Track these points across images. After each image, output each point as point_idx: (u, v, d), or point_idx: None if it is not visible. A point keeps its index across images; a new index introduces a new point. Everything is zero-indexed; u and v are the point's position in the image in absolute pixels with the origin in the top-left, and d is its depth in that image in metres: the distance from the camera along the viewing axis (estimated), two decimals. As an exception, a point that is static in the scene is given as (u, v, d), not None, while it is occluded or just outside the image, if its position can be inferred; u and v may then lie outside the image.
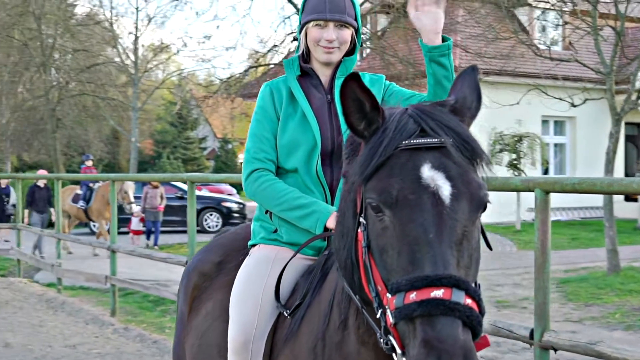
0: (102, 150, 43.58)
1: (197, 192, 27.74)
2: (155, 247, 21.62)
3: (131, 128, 34.80)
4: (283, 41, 21.24)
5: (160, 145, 56.45)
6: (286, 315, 3.00)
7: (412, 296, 2.03)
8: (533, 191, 5.24)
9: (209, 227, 27.25)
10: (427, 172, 2.19)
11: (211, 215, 27.55)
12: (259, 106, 3.34)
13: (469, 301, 2.04)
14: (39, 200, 20.03)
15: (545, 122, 30.01)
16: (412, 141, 2.24)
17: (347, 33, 3.29)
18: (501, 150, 24.86)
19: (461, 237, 2.15)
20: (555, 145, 31.04)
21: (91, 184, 21.16)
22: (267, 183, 3.20)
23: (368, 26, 25.81)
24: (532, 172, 24.70)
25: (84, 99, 35.91)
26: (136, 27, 34.44)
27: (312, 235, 3.09)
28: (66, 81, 35.64)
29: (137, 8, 33.67)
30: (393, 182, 2.20)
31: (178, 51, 37.82)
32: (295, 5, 20.49)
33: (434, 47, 3.10)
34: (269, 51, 21.68)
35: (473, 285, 2.15)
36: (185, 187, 27.21)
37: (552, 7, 19.71)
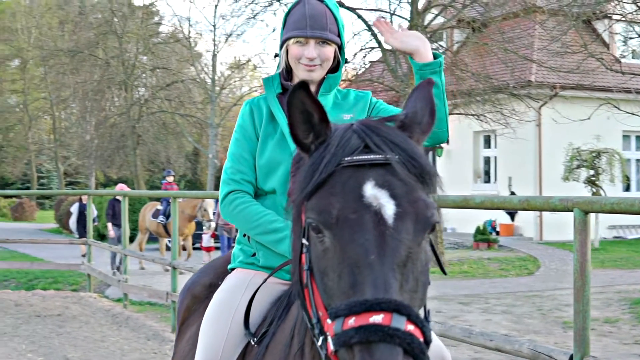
0: (184, 167, 44.20)
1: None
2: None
3: (209, 145, 35.16)
4: (354, 56, 21.10)
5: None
6: (253, 343, 2.91)
7: (351, 322, 1.91)
8: (572, 211, 5.05)
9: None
10: (370, 191, 2.07)
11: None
12: (238, 125, 3.26)
13: (411, 327, 1.90)
14: (119, 214, 20.28)
15: (626, 137, 29.32)
16: (354, 157, 2.11)
17: (329, 50, 3.18)
18: (578, 167, 24.31)
19: (405, 259, 2.02)
20: (638, 161, 30.26)
21: (171, 200, 20.96)
22: (243, 205, 3.11)
23: (443, 42, 25.64)
24: (611, 189, 24.05)
25: (164, 116, 36.51)
26: (214, 45, 34.86)
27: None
28: (145, 99, 36.33)
29: (214, 25, 34.11)
30: (333, 201, 2.08)
31: (255, 67, 37.93)
32: (365, 22, 20.41)
33: (425, 64, 3.04)
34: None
35: (419, 310, 2.04)
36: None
37: (632, 20, 19.16)
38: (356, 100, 3.28)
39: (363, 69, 22.35)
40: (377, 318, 1.88)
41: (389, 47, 21.14)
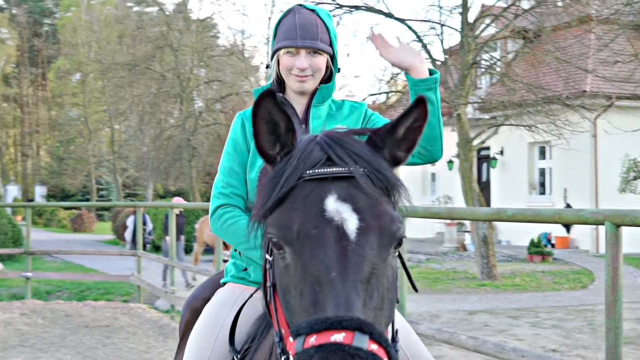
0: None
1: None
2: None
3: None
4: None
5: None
6: (236, 359, 2.87)
7: (312, 340, 1.84)
8: (603, 224, 4.92)
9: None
10: (332, 204, 2.01)
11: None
12: (230, 138, 3.21)
13: (374, 347, 1.82)
14: (178, 226, 20.28)
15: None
16: (316, 171, 2.04)
17: (321, 60, 3.12)
18: (635, 178, 23.81)
19: (369, 276, 1.94)
20: (697, 172, 29.56)
21: None
22: (232, 220, 3.06)
23: (498, 52, 25.42)
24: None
25: (219, 128, 36.71)
26: (267, 58, 34.98)
27: None
28: (199, 111, 36.63)
29: (267, 38, 34.24)
30: (294, 216, 2.01)
31: (309, 80, 37.90)
32: (415, 33, 20.32)
33: (420, 80, 2.98)
34: (391, 79, 21.50)
35: (386, 329, 1.98)
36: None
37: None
38: (350, 111, 3.23)
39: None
40: (338, 337, 1.82)
41: (440, 60, 21.04)
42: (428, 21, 20.87)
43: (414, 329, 6.81)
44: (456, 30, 20.34)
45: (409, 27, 20.44)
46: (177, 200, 21.07)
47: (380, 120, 3.21)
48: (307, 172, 2.05)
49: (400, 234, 2.04)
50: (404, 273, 2.47)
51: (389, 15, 20.41)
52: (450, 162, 30.24)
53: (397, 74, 21.20)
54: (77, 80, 59.99)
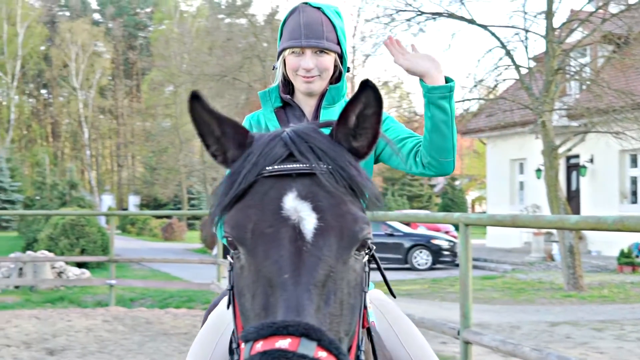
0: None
1: (408, 229, 27.86)
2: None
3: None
4: (488, 74, 20.70)
5: (389, 182, 56.93)
6: None
7: (259, 346, 1.74)
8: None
9: (418, 265, 27.02)
10: (291, 203, 1.91)
11: (421, 252, 27.29)
12: None
13: (322, 354, 1.72)
14: None
15: None
16: (276, 167, 1.96)
17: (328, 59, 3.03)
18: None
19: (324, 279, 1.84)
20: None
21: None
22: None
23: (588, 58, 24.87)
24: None
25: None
26: (353, 66, 34.95)
27: None
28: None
29: (353, 47, 34.21)
30: (250, 214, 1.92)
31: (395, 88, 37.84)
32: (499, 39, 20.00)
33: (434, 87, 2.84)
34: (474, 86, 21.21)
35: (344, 335, 1.87)
36: (394, 224, 27.26)
37: None
38: None
39: (497, 87, 21.85)
40: (283, 343, 1.71)
41: (524, 66, 20.66)
42: (512, 27, 20.51)
43: (478, 340, 6.69)
44: (540, 35, 19.91)
45: (492, 34, 20.13)
46: None
47: (395, 126, 3.11)
48: (267, 168, 1.96)
49: (363, 235, 1.94)
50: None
51: (471, 21, 20.15)
52: (538, 170, 29.67)
53: (480, 81, 20.92)
54: (169, 92, 61.03)
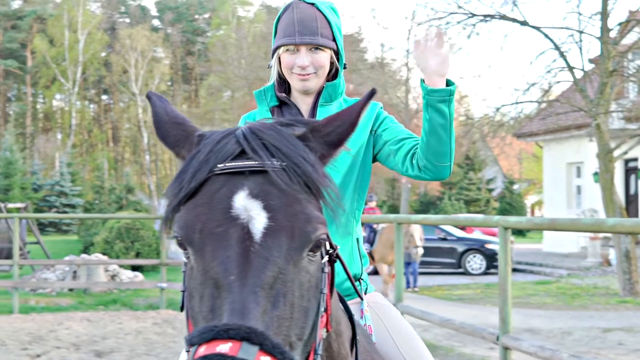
0: (384, 192, 44.36)
1: (462, 234, 27.62)
2: (415, 288, 21.38)
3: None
4: (541, 77, 20.42)
5: (446, 186, 56.58)
6: None
7: (201, 350, 1.69)
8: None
9: (472, 269, 26.76)
10: (241, 202, 1.84)
11: (474, 257, 27.02)
12: None
13: (265, 359, 1.67)
14: None
15: None
16: (227, 164, 1.89)
17: (323, 56, 2.98)
18: None
19: (272, 281, 1.78)
20: None
21: (374, 226, 20.27)
22: None
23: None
24: None
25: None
26: (407, 69, 34.91)
27: None
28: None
29: (407, 50, 34.14)
30: (199, 213, 1.86)
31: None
32: (552, 41, 19.73)
33: (434, 90, 2.76)
34: (527, 89, 20.95)
35: (296, 339, 1.81)
36: (448, 228, 27.05)
37: None
38: None
39: (551, 90, 21.55)
40: (224, 347, 1.66)
41: (578, 68, 20.35)
42: (566, 28, 20.21)
43: (517, 346, 6.58)
44: (595, 37, 19.59)
45: (545, 35, 19.86)
46: None
47: (394, 126, 3.05)
48: (219, 165, 1.90)
49: (316, 236, 1.86)
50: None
51: (524, 23, 19.91)
52: (595, 174, 29.17)
53: (534, 84, 20.66)
54: (227, 97, 61.50)
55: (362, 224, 21.54)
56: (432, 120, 2.76)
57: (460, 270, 26.67)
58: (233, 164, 1.89)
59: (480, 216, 8.60)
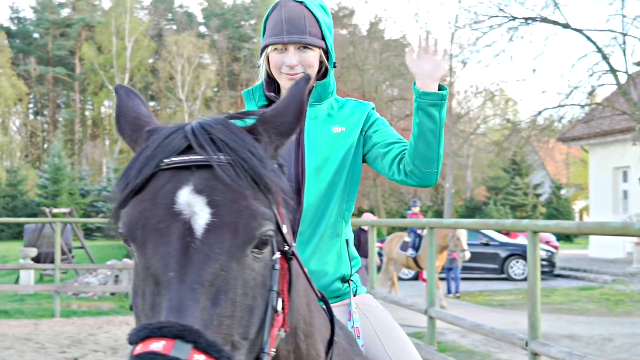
0: (429, 197, 44.14)
1: (505, 239, 27.35)
2: (457, 294, 21.18)
3: (445, 174, 34.95)
4: (590, 81, 20.16)
5: (492, 191, 56.14)
6: None
7: (138, 349, 1.67)
8: None
9: (515, 275, 26.47)
10: (185, 197, 1.81)
11: (517, 262, 26.73)
12: None
13: (200, 357, 1.63)
14: (364, 243, 19.96)
15: None
16: (173, 159, 1.86)
17: (312, 55, 2.95)
18: None
19: (213, 278, 1.74)
20: None
21: (419, 231, 20.00)
22: None
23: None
24: None
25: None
26: (450, 73, 34.68)
27: None
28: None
29: (450, 55, 33.91)
30: (143, 209, 1.83)
31: (493, 96, 37.30)
32: (595, 44, 19.49)
33: (425, 93, 2.75)
34: (570, 92, 20.72)
35: (240, 338, 1.77)
36: (490, 233, 26.81)
37: None
38: (352, 112, 3.04)
39: (593, 93, 21.29)
40: (157, 345, 1.64)
41: (622, 71, 20.07)
42: (609, 31, 19.95)
43: (545, 352, 6.50)
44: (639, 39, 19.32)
45: (588, 38, 19.64)
46: (367, 217, 20.51)
47: (384, 129, 3.03)
48: (165, 161, 1.87)
49: (261, 232, 1.83)
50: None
51: (565, 25, 19.71)
52: (641, 178, 28.79)
53: (575, 87, 20.44)
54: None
55: (407, 229, 21.47)
56: (422, 124, 2.74)
57: (503, 275, 26.41)
58: (179, 158, 1.86)
59: (509, 220, 8.50)
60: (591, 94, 21.06)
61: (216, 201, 1.81)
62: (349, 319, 2.87)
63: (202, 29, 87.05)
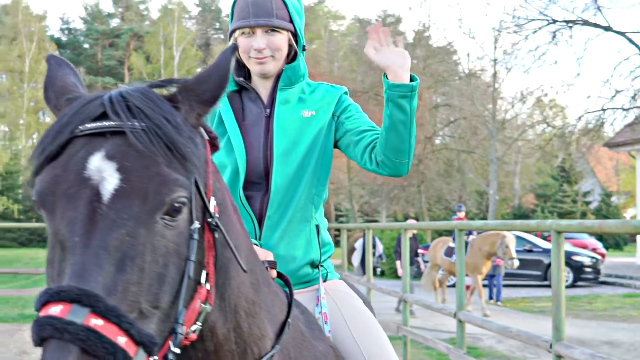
0: (475, 204, 43.82)
1: (548, 245, 26.98)
2: (499, 302, 20.88)
3: (490, 180, 34.65)
4: (634, 84, 19.87)
5: (541, 199, 55.60)
6: None
7: (41, 314, 1.65)
8: None
9: (560, 283, 26.05)
10: (95, 163, 1.79)
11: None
12: None
13: (97, 322, 1.61)
14: (410, 249, 19.77)
15: None
16: (87, 126, 1.84)
17: (280, 38, 2.93)
18: None
19: (118, 243, 1.71)
20: None
21: (465, 236, 19.23)
22: None
23: None
24: None
25: (448, 153, 36.50)
26: (494, 79, 34.41)
27: None
28: (424, 136, 36.57)
29: (494, 60, 33.68)
30: (55, 175, 1.81)
31: (538, 100, 36.93)
32: (637, 45, 19.20)
33: (395, 84, 2.71)
34: (613, 97, 20.43)
35: (149, 306, 1.73)
36: (533, 239, 26.49)
37: None
38: (323, 96, 3.03)
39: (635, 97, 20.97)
40: (55, 310, 1.62)
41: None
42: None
43: (569, 354, 6.39)
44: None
45: (630, 40, 19.34)
46: (411, 222, 20.29)
47: (357, 115, 3.02)
48: (79, 127, 1.85)
49: (172, 198, 1.80)
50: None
51: (607, 28, 19.42)
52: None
53: (619, 91, 20.14)
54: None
55: (452, 235, 21.19)
56: (392, 116, 2.71)
57: (546, 282, 26.01)
58: (93, 125, 1.85)
59: (534, 221, 8.40)
60: (634, 97, 20.73)
61: (127, 167, 1.79)
62: (317, 305, 2.85)
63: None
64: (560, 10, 30.09)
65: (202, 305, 1.95)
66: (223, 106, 3.01)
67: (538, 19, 19.34)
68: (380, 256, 24.11)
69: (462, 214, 20.37)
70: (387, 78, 2.75)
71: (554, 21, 19.47)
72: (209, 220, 1.97)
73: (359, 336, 2.82)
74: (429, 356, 12.88)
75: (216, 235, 2.00)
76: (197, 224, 1.89)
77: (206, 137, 2.05)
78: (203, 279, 1.92)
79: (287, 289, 2.62)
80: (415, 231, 19.71)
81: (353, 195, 53.20)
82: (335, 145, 3.04)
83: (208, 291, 1.96)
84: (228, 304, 2.12)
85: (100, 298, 1.63)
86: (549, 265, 26.09)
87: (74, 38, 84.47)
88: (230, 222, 2.15)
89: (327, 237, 3.07)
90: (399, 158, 2.78)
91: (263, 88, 3.04)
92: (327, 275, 3.04)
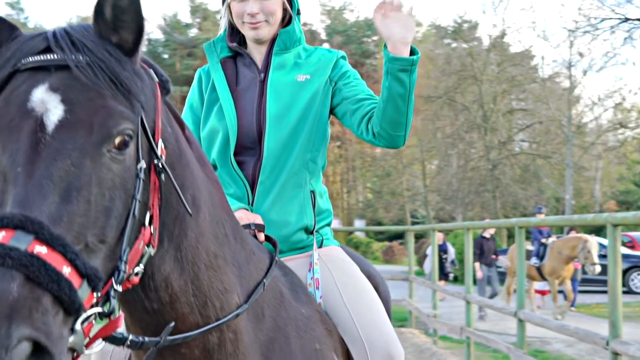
0: (554, 208, 43.19)
1: (626, 250, 26.38)
2: (572, 307, 20.40)
3: (565, 185, 34.06)
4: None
5: (623, 206, 54.48)
6: None
7: None
8: None
9: (636, 288, 25.44)
10: (39, 95, 1.78)
11: (638, 275, 25.66)
12: (187, 97, 3.13)
13: (42, 249, 1.59)
14: (487, 252, 19.55)
15: None
16: (30, 59, 1.83)
17: (273, 2, 2.91)
18: None
19: (63, 174, 1.70)
20: None
21: (544, 240, 19.31)
22: None
23: None
24: None
25: (524, 158, 36.02)
26: (570, 82, 33.83)
27: None
28: (502, 141, 36.16)
29: (569, 63, 33.10)
30: None
31: (616, 104, 36.18)
32: None
33: (395, 58, 2.67)
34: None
35: (95, 239, 1.72)
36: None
37: None
38: (319, 59, 3.01)
39: None
40: None
41: None
42: None
43: (625, 351, 6.22)
44: None
45: None
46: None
47: (356, 82, 3.01)
48: (22, 61, 1.85)
49: (117, 130, 1.79)
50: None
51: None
52: None
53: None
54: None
55: (531, 239, 20.72)
56: (391, 89, 2.67)
57: (624, 288, 25.32)
58: (36, 58, 1.85)
59: (591, 215, 8.18)
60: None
61: (71, 99, 1.79)
62: (309, 270, 2.81)
63: (326, 45, 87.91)
64: (634, 9, 29.42)
65: (146, 247, 1.93)
66: (218, 72, 3.01)
67: (611, 18, 18.93)
68: (452, 261, 23.92)
69: (542, 216, 19.79)
70: (387, 50, 2.71)
71: (626, 19, 19.04)
72: (155, 161, 1.95)
73: (350, 301, 2.78)
74: (495, 359, 12.69)
75: (162, 177, 1.98)
76: (143, 163, 1.88)
77: (156, 79, 2.05)
78: (147, 221, 1.91)
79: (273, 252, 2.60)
80: (493, 231, 19.43)
81: (429, 202, 52.92)
82: (332, 112, 3.01)
83: (152, 234, 1.95)
84: (184, 255, 2.10)
85: (44, 225, 1.63)
86: (626, 270, 25.50)
87: (154, 48, 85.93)
88: (187, 171, 2.13)
89: (324, 204, 3.05)
90: (396, 131, 2.76)
91: (258, 53, 3.04)
92: (322, 241, 3.00)
